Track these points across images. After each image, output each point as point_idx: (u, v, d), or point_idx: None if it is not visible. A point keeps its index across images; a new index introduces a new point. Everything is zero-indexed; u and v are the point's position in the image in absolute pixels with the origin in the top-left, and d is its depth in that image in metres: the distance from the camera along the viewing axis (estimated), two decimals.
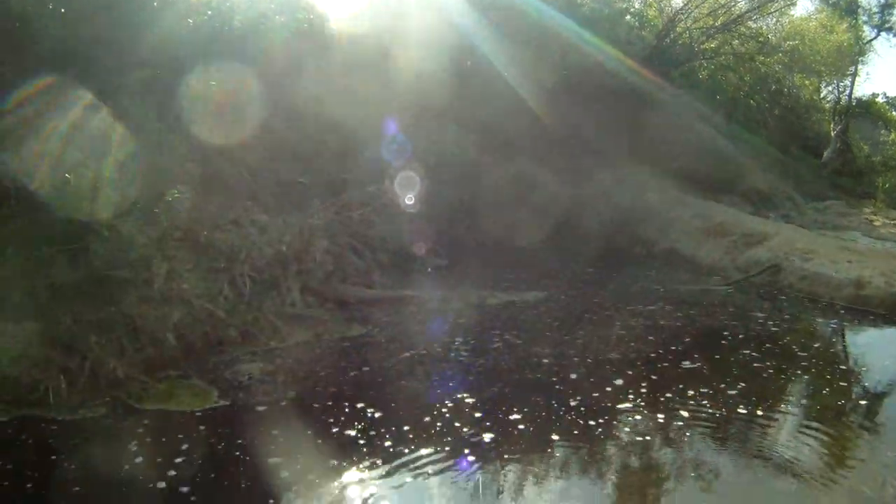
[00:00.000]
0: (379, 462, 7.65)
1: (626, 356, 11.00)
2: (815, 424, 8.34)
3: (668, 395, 9.35)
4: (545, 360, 10.90)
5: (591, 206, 21.05)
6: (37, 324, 9.99)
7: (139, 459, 7.78)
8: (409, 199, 12.54)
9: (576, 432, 8.27)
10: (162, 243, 10.95)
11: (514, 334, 12.21)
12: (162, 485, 7.19)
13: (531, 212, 19.13)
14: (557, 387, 9.82)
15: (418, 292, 14.28)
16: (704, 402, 9.06)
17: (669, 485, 7.24)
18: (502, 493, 7.11)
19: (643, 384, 9.78)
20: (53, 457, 7.97)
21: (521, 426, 8.49)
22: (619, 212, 21.24)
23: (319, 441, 8.26)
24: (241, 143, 13.43)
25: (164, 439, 8.28)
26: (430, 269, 15.54)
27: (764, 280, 16.34)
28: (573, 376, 10.20)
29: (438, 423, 8.57)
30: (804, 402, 9.52)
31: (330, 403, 9.35)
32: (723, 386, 9.63)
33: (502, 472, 7.46)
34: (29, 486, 7.30)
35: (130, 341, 10.15)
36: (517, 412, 8.83)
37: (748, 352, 11.15)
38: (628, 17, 28.19)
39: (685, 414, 8.68)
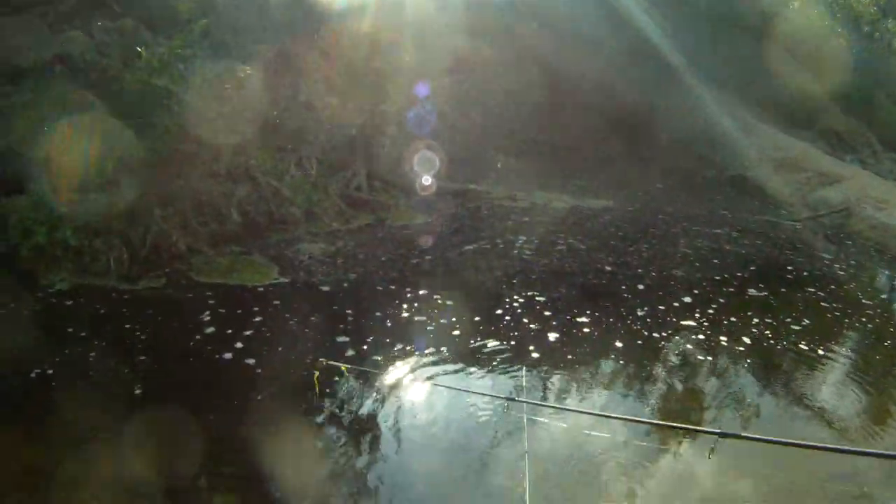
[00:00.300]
0: (444, 349, 7.64)
1: (690, 275, 10.68)
2: (867, 378, 8.00)
3: (733, 319, 9.09)
4: (608, 269, 10.70)
5: (666, 122, 20.44)
6: (102, 195, 10.07)
7: (205, 331, 7.89)
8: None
9: (639, 342, 8.12)
10: (232, 120, 10.87)
11: (579, 239, 11.98)
12: (228, 356, 7.31)
13: (607, 119, 18.66)
14: (625, 296, 9.61)
15: (485, 188, 14.11)
16: (767, 332, 8.77)
17: (713, 408, 7.06)
18: (561, 390, 7.05)
19: (708, 305, 9.51)
20: (117, 326, 8.11)
21: (586, 329, 8.37)
22: (694, 132, 20.58)
23: (386, 323, 8.27)
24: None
25: (225, 312, 8.38)
26: (499, 166, 15.30)
27: (833, 222, 15.65)
28: (640, 287, 9.98)
29: (507, 318, 8.52)
30: (862, 351, 9.14)
31: (393, 288, 9.34)
32: (787, 320, 9.31)
33: (564, 370, 7.39)
34: (92, 355, 7.41)
35: (194, 216, 10.23)
36: (584, 315, 8.71)
37: (813, 290, 10.74)
38: None
39: (747, 341, 8.43)
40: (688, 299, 9.62)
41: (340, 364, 5.55)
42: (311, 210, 11.10)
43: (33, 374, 7.21)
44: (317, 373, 5.68)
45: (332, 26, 13.29)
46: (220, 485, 5.57)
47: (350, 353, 7.43)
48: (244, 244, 10.33)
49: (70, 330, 7.96)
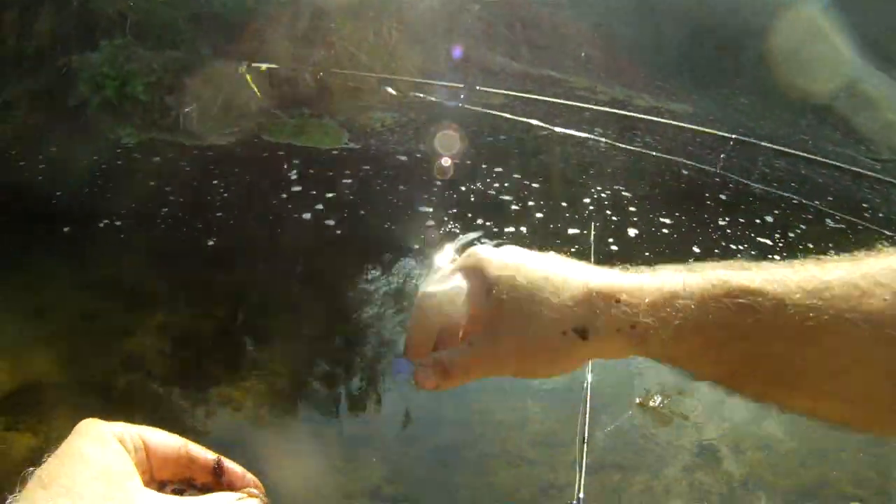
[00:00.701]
0: (525, 230, 7.50)
1: (767, 196, 10.26)
2: None
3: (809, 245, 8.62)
4: (685, 172, 10.29)
5: (758, 38, 19.56)
6: (174, 52, 9.92)
7: (280, 191, 7.75)
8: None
9: (716, 252, 7.87)
10: None
11: (657, 139, 11.55)
12: (307, 216, 7.18)
13: (697, 24, 17.84)
14: (707, 203, 9.26)
15: (565, 76, 13.59)
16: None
17: None
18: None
19: (788, 229, 9.14)
20: (185, 180, 8.03)
21: (665, 230, 8.08)
22: (785, 54, 19.72)
23: (469, 198, 8.01)
24: None
25: (296, 173, 8.22)
26: (582, 55, 14.75)
27: None
28: (721, 196, 9.60)
29: (590, 207, 8.25)
30: None
31: (469, 163, 9.06)
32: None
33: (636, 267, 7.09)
34: (165, 210, 7.31)
35: (267, 76, 9.97)
36: (665, 217, 8.38)
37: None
38: None
39: None
40: (769, 219, 9.13)
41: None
42: (386, 78, 10.74)
43: (101, 224, 7.15)
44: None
45: None
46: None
47: (430, 223, 7.23)
48: (315, 108, 10.07)
49: (139, 182, 7.88)
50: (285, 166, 8.54)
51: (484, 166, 8.95)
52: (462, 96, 11.11)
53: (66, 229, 7.03)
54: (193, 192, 7.73)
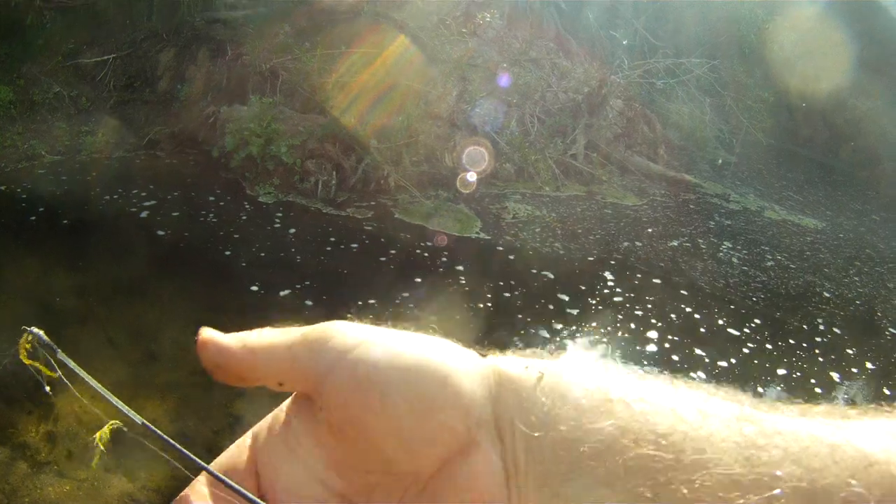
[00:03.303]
0: (648, 364, 7.10)
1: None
2: None
3: None
4: (826, 295, 9.90)
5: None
6: (321, 117, 10.08)
7: (409, 270, 7.72)
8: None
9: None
10: (460, 64, 10.61)
11: (786, 257, 11.17)
12: (405, 294, 7.07)
13: (834, 132, 17.38)
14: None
15: (699, 181, 13.36)
16: None
17: None
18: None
19: None
20: (315, 248, 8.12)
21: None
22: None
23: (597, 308, 7.85)
24: None
25: (430, 255, 8.19)
26: (720, 162, 14.48)
27: None
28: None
29: (730, 333, 7.92)
30: None
31: (602, 273, 8.89)
32: None
33: None
34: (288, 273, 7.35)
35: (409, 154, 10.04)
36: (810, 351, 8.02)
37: None
38: None
39: None
40: None
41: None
42: (524, 168, 10.72)
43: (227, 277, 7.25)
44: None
45: None
46: None
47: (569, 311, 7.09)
48: (451, 190, 10.09)
49: (269, 243, 8.01)
50: (412, 248, 8.53)
51: (610, 276, 8.77)
52: (597, 196, 11.03)
53: (178, 279, 7.15)
54: (318, 260, 7.78)
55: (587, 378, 0.63)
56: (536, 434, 0.60)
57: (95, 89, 11.87)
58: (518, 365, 0.65)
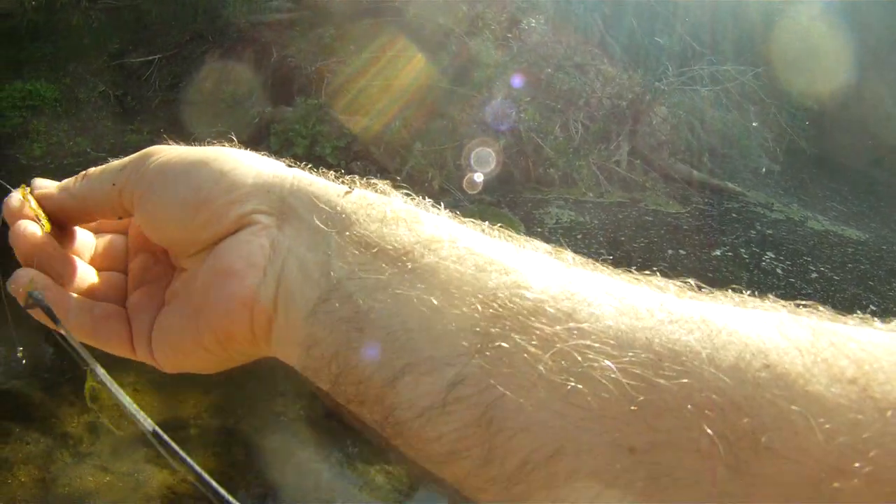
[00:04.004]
0: None
1: None
2: None
3: None
4: (873, 308, 9.78)
5: None
6: (365, 119, 10.13)
7: None
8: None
9: None
10: (506, 68, 10.62)
11: (829, 268, 11.06)
12: None
13: (881, 140, 17.18)
14: None
15: (743, 189, 13.26)
16: None
17: None
18: None
19: None
20: None
21: None
22: None
23: None
24: None
25: None
26: (763, 170, 14.37)
27: None
28: None
29: None
30: None
31: (646, 273, 8.83)
32: None
33: None
34: None
35: (453, 157, 10.06)
36: None
37: None
38: None
39: None
40: None
41: None
42: (568, 174, 10.70)
43: None
44: None
45: None
46: None
47: None
48: (496, 195, 10.09)
49: None
50: None
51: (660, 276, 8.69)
52: (640, 203, 10.99)
53: None
54: None
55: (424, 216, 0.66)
56: (324, 228, 0.62)
57: (141, 89, 12.01)
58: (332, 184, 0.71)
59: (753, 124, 13.98)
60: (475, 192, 9.78)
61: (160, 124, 11.25)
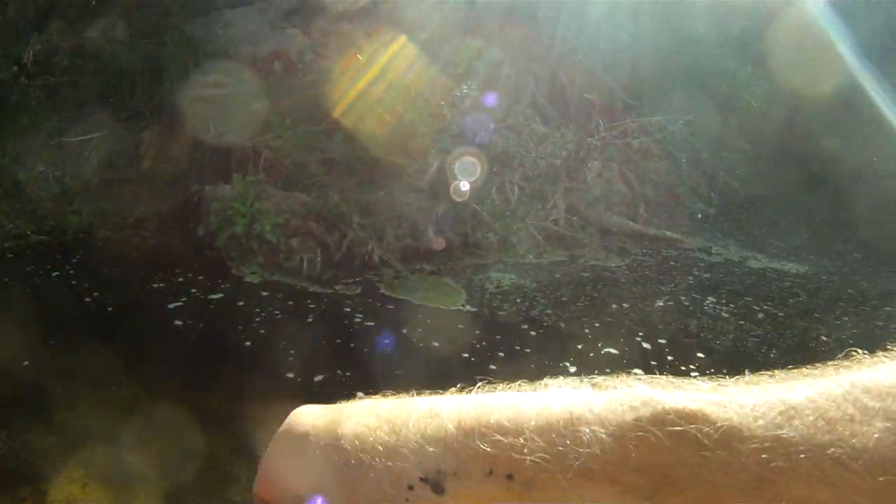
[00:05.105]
0: None
1: None
2: None
3: None
4: (823, 339, 9.97)
5: (873, 182, 19.16)
6: (304, 195, 10.20)
7: (397, 346, 7.78)
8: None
9: None
10: (441, 136, 10.78)
11: (772, 305, 11.22)
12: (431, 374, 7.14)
13: (810, 174, 17.61)
14: None
15: (680, 236, 13.53)
16: None
17: None
18: None
19: None
20: (300, 326, 8.17)
21: None
22: None
23: (587, 367, 7.86)
24: (532, 51, 13.02)
25: (410, 331, 8.25)
26: (698, 216, 14.67)
27: None
28: None
29: None
30: None
31: (587, 332, 8.96)
32: None
33: None
34: (282, 344, 7.49)
35: (392, 228, 10.17)
36: None
37: None
38: None
39: None
40: None
41: None
42: (507, 237, 10.85)
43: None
44: None
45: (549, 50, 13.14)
46: None
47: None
48: (435, 263, 10.20)
49: (252, 324, 8.05)
50: (399, 324, 8.58)
51: (600, 344, 8.81)
52: (580, 260, 11.17)
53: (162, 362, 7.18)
54: (307, 341, 7.79)
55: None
56: None
57: (80, 168, 11.97)
58: None
59: (685, 171, 14.28)
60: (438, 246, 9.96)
61: (100, 204, 11.27)
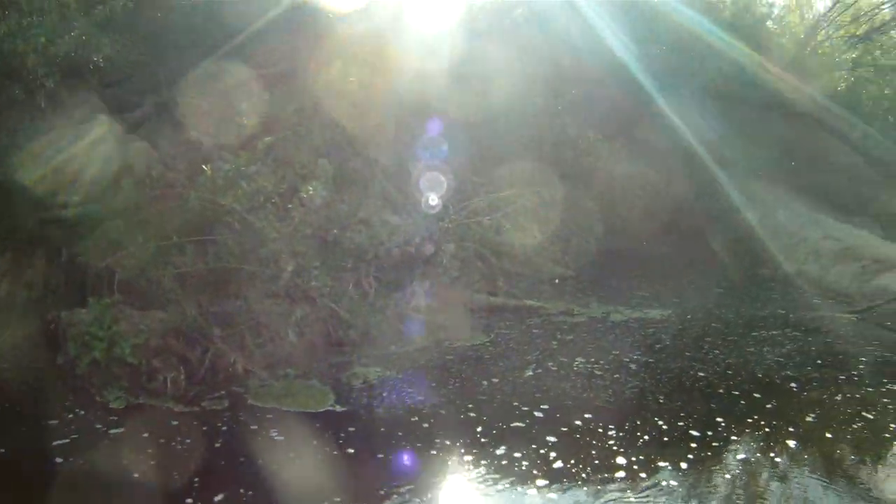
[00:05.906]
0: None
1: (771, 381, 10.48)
2: None
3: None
4: (701, 374, 10.61)
5: (721, 223, 20.32)
6: (161, 313, 10.17)
7: (267, 459, 7.78)
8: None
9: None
10: (292, 240, 10.96)
11: (641, 353, 11.67)
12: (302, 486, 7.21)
13: (662, 224, 18.55)
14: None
15: (542, 303, 14.02)
16: None
17: None
18: None
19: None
20: (171, 452, 8.06)
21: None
22: (747, 229, 20.43)
23: (462, 454, 8.07)
24: (374, 140, 13.37)
25: (284, 440, 8.31)
26: (556, 280, 15.23)
27: (893, 309, 15.25)
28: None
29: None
30: None
31: (462, 417, 9.11)
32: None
33: None
34: (152, 475, 7.44)
35: (252, 336, 10.26)
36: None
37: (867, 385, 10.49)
38: (769, 22, 26.80)
39: None
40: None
41: None
42: (368, 332, 11.07)
43: None
44: None
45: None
46: None
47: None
48: (301, 367, 10.30)
49: (121, 455, 7.91)
50: (268, 435, 8.57)
51: (471, 415, 9.00)
52: (444, 343, 11.44)
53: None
54: (173, 466, 7.70)
55: None
56: None
57: None
58: None
59: (537, 239, 14.81)
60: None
61: None
